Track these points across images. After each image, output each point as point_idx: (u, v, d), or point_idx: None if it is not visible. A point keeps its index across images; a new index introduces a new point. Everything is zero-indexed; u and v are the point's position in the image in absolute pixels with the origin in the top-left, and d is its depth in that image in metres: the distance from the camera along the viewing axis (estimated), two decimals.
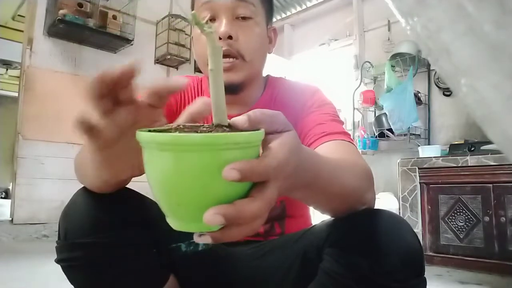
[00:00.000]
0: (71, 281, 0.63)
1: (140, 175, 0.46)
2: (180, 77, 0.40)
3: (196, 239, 0.35)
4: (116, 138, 0.41)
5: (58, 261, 0.62)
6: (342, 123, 0.78)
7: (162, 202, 0.35)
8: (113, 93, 0.40)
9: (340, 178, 0.50)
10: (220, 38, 0.74)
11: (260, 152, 0.37)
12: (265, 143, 0.37)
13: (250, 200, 0.33)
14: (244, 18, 0.76)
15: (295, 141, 0.39)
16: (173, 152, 0.31)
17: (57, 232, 0.65)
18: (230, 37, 0.74)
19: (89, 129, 0.39)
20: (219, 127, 0.36)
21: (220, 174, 0.31)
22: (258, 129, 0.36)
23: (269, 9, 0.84)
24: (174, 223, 0.35)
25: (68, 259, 0.61)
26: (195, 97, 0.87)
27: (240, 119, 0.36)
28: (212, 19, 0.76)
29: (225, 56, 0.74)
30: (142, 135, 0.33)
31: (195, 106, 0.41)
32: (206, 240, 0.34)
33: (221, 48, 0.38)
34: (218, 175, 0.32)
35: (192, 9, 0.83)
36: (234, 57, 0.75)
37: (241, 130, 0.35)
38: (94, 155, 0.44)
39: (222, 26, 0.74)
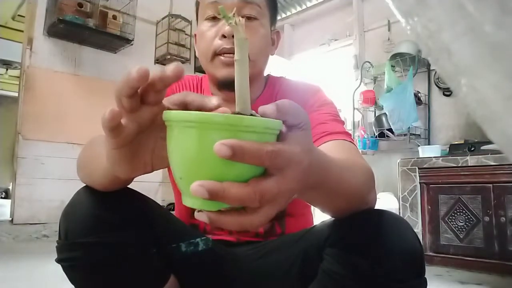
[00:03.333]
0: (72, 281, 0.63)
1: (152, 171, 0.47)
2: (176, 65, 0.39)
3: (195, 215, 0.37)
4: (135, 136, 0.42)
5: (58, 260, 0.62)
6: (343, 123, 0.78)
7: (181, 179, 0.37)
8: (144, 93, 0.40)
9: (347, 179, 0.50)
10: (224, 36, 0.74)
11: None
12: (283, 137, 0.37)
13: (241, 184, 0.33)
14: (249, 18, 0.77)
15: (310, 140, 0.39)
16: (197, 130, 0.34)
17: (57, 232, 0.65)
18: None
19: (116, 127, 0.40)
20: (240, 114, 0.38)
21: None
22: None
23: (273, 12, 0.85)
24: (186, 199, 0.37)
25: (69, 259, 0.61)
26: None
27: (269, 107, 0.37)
28: (218, 18, 0.77)
29: (229, 52, 0.74)
30: (171, 113, 0.36)
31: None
32: (202, 217, 0.35)
33: (247, 40, 0.38)
34: None
35: (197, 7, 0.83)
36: None
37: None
38: (112, 152, 0.44)
39: (227, 24, 0.74)
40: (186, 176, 0.35)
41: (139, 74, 0.37)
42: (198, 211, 0.36)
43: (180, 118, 0.35)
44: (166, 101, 0.42)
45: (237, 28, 0.38)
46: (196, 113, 0.34)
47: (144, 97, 0.41)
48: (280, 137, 0.37)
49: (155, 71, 0.39)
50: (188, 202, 0.37)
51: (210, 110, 0.39)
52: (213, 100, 0.39)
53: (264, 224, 0.36)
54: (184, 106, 0.41)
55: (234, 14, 0.38)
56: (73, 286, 0.64)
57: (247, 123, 0.34)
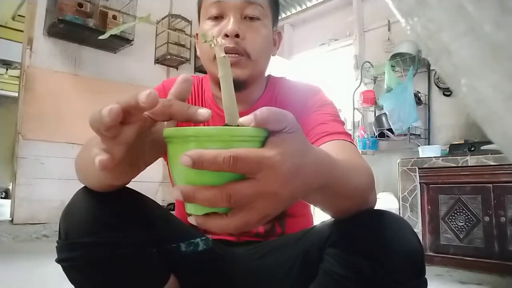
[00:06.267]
0: (71, 281, 0.63)
1: (142, 170, 0.49)
2: (148, 94, 0.38)
3: (188, 218, 0.40)
4: (124, 153, 0.42)
5: (58, 261, 0.62)
6: (343, 123, 0.78)
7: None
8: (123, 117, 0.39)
9: (351, 179, 0.50)
10: (227, 36, 0.74)
11: None
12: (267, 144, 0.38)
13: (211, 187, 0.36)
14: (251, 18, 0.77)
15: (300, 143, 0.39)
16: (195, 143, 0.37)
17: (57, 232, 0.65)
18: (237, 36, 0.74)
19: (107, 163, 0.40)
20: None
21: None
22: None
23: (275, 12, 0.85)
24: (186, 206, 0.40)
25: (69, 259, 0.61)
26: (196, 96, 0.87)
27: (246, 118, 0.38)
28: (220, 17, 0.77)
29: (232, 52, 0.74)
30: (169, 131, 0.40)
31: (175, 87, 0.46)
32: (192, 220, 0.39)
33: (226, 57, 0.43)
34: None
35: (199, 6, 0.83)
36: (240, 54, 0.75)
37: None
38: (104, 172, 0.45)
39: (230, 24, 0.75)
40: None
41: (111, 116, 0.37)
42: (188, 215, 0.40)
43: (179, 135, 0.39)
44: (148, 113, 0.41)
45: (218, 47, 0.43)
46: (192, 129, 0.37)
47: (123, 120, 0.39)
48: (266, 143, 0.38)
49: (127, 97, 0.38)
50: (187, 208, 0.41)
51: (201, 123, 0.41)
52: (202, 114, 0.41)
53: (242, 229, 0.37)
54: (169, 117, 0.42)
55: (214, 37, 0.43)
56: (73, 286, 0.64)
57: (232, 133, 0.37)
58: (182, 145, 0.38)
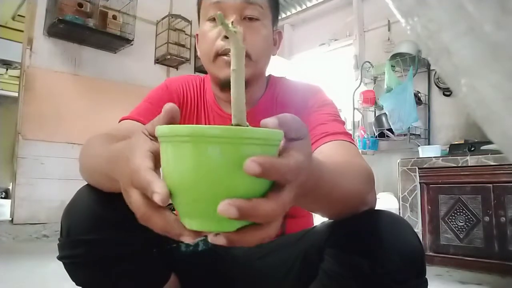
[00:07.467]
0: (73, 278, 0.64)
1: None
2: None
3: (211, 239, 0.34)
4: None
5: (60, 258, 0.63)
6: (343, 123, 0.78)
7: (178, 199, 0.35)
8: None
9: (342, 182, 0.49)
10: (226, 37, 0.74)
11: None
12: (286, 148, 0.36)
13: (266, 199, 0.33)
14: (251, 19, 0.77)
15: (310, 150, 0.39)
16: (193, 144, 0.32)
17: (57, 232, 0.65)
18: None
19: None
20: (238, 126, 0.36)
21: (238, 169, 0.31)
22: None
23: (275, 12, 0.85)
24: (190, 222, 0.34)
25: (70, 256, 0.61)
26: (198, 96, 0.87)
27: (270, 120, 0.36)
28: None
29: None
30: (163, 129, 0.34)
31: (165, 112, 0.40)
32: (221, 241, 0.34)
33: (244, 48, 0.37)
34: (235, 170, 0.32)
35: (199, 7, 0.83)
36: None
37: None
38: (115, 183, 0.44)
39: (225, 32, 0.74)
40: (200, 197, 0.33)
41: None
42: (215, 235, 0.34)
43: (174, 133, 0.33)
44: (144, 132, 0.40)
45: (235, 37, 0.36)
46: (192, 126, 0.32)
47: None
48: (281, 148, 0.36)
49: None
50: (195, 224, 0.34)
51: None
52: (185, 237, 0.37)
53: (274, 236, 0.36)
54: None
55: (232, 22, 0.37)
56: (73, 286, 0.64)
57: (249, 134, 0.32)
58: (182, 145, 0.33)
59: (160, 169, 0.36)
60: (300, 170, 0.35)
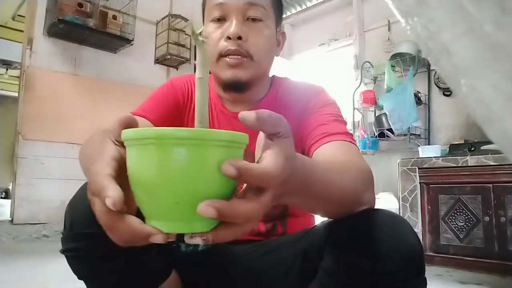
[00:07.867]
0: (75, 271, 0.64)
1: None
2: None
3: (187, 240, 0.35)
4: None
5: (63, 251, 0.63)
6: (345, 123, 0.78)
7: (146, 203, 0.35)
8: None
9: (336, 181, 0.50)
10: (229, 38, 0.75)
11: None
12: (265, 147, 0.37)
13: (246, 200, 0.34)
14: (254, 19, 0.77)
15: (292, 149, 0.39)
16: (158, 146, 0.32)
17: (57, 232, 0.65)
18: (239, 38, 0.75)
19: None
20: None
21: (203, 170, 0.32)
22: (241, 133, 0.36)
23: (279, 13, 0.85)
24: (161, 224, 0.34)
25: (73, 249, 0.62)
26: None
27: (249, 113, 0.36)
28: (223, 19, 0.77)
29: (234, 54, 0.75)
30: (129, 132, 0.34)
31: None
32: (197, 241, 0.34)
33: (209, 59, 0.40)
34: (201, 171, 0.32)
35: (203, 8, 0.84)
36: (243, 56, 0.76)
37: (247, 125, 0.36)
38: None
39: (232, 26, 0.75)
40: (169, 200, 0.33)
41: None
42: (191, 236, 0.34)
43: (141, 136, 0.33)
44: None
45: (203, 46, 0.38)
46: (158, 129, 0.32)
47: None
48: (263, 146, 0.37)
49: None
50: (165, 226, 0.34)
51: None
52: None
53: (253, 226, 0.37)
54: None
55: (201, 32, 0.38)
56: (73, 286, 0.64)
57: (213, 136, 0.33)
58: (147, 148, 0.33)
59: (127, 174, 0.36)
60: (279, 173, 0.35)
